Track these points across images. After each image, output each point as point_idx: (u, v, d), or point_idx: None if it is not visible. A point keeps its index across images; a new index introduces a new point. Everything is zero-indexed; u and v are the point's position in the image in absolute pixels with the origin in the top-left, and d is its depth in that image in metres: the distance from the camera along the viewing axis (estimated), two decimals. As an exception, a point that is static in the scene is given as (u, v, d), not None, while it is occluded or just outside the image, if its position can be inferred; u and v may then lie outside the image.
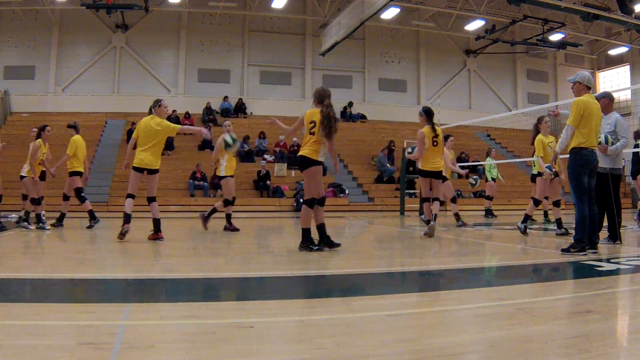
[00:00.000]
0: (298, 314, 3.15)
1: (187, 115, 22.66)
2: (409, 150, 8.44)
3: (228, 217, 9.33)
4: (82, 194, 9.54)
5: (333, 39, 21.82)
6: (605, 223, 6.92)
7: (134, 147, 7.57)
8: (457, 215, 10.70)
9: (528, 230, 8.33)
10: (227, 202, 9.18)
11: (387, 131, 24.09)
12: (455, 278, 4.78)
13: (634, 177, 10.12)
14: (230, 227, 9.21)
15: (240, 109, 24.11)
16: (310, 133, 6.03)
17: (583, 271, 4.84)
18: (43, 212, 9.41)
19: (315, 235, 6.18)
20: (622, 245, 6.72)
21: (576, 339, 2.56)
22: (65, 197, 9.77)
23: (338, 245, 6.12)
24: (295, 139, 21.36)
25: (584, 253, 5.59)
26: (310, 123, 6.03)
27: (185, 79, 24.01)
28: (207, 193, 18.20)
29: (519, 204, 17.93)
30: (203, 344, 2.50)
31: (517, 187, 20.66)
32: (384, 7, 19.90)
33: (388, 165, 21.00)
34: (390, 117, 25.47)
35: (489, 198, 13.74)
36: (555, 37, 24.79)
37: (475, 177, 10.79)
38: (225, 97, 23.97)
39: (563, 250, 5.82)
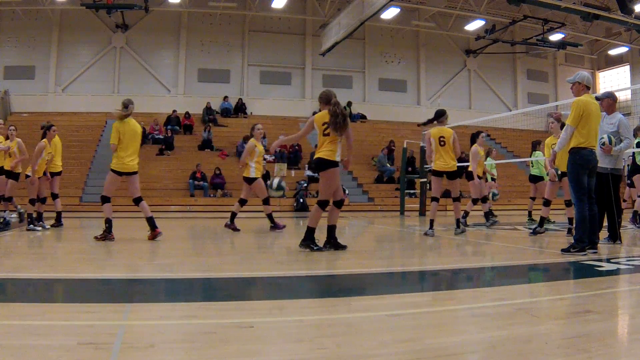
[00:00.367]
0: (298, 314, 3.15)
1: (187, 115, 22.66)
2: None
3: (233, 215, 9.32)
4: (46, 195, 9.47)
5: (333, 39, 21.82)
6: (605, 223, 6.91)
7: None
8: (486, 215, 10.41)
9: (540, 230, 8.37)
10: (267, 201, 9.29)
11: (387, 131, 24.09)
12: (455, 278, 4.78)
13: (629, 177, 10.07)
14: (231, 226, 9.22)
15: (240, 109, 24.11)
16: (325, 134, 6.03)
17: (583, 271, 4.84)
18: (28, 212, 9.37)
19: (316, 235, 6.17)
20: (622, 245, 6.72)
21: (576, 339, 2.56)
22: (55, 196, 9.74)
23: (344, 247, 6.10)
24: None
25: (584, 253, 5.59)
26: (323, 125, 6.04)
27: (185, 79, 24.01)
28: (207, 193, 18.20)
29: (519, 204, 17.94)
30: (203, 344, 2.50)
31: (517, 187, 20.66)
32: (384, 7, 19.90)
33: (388, 165, 21.00)
34: (390, 117, 25.47)
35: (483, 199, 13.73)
36: (555, 37, 24.79)
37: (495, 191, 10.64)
38: (225, 97, 23.97)
39: (563, 250, 5.82)
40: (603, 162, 6.80)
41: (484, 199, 10.53)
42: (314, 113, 27.58)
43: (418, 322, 2.98)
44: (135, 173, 7.44)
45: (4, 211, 9.46)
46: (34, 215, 9.22)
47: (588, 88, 5.87)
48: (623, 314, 3.31)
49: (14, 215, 11.67)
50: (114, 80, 23.30)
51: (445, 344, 2.52)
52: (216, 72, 24.39)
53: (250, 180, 9.16)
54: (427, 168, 16.55)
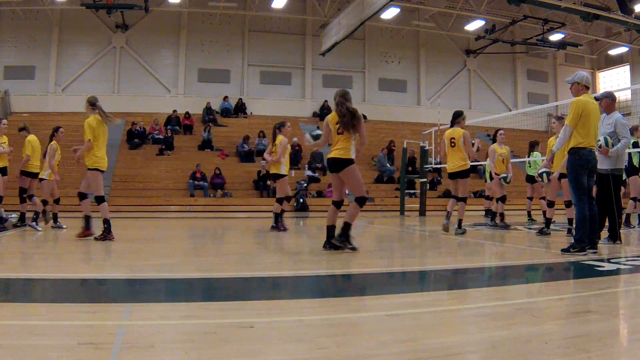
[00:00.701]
0: (298, 314, 3.15)
1: (187, 115, 22.67)
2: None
3: (277, 216, 9.44)
4: (24, 195, 9.46)
5: (333, 39, 21.82)
6: (607, 223, 6.92)
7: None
8: (501, 215, 10.31)
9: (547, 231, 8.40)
10: (281, 201, 9.35)
11: (387, 131, 24.10)
12: (455, 278, 4.78)
13: (627, 177, 10.01)
14: (278, 227, 9.29)
15: (240, 109, 24.12)
16: (339, 133, 6.04)
17: (583, 271, 4.84)
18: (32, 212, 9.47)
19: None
20: (622, 245, 6.72)
21: (576, 339, 2.56)
22: (30, 196, 9.75)
23: (339, 248, 6.10)
24: (295, 139, 21.37)
25: (584, 253, 5.59)
26: (336, 124, 6.07)
27: (185, 79, 24.01)
28: (207, 193, 18.20)
29: (519, 204, 17.93)
30: (203, 344, 2.50)
31: (517, 187, 20.64)
32: (384, 7, 19.90)
33: (388, 165, 21.01)
34: (390, 117, 25.48)
35: (489, 198, 13.72)
36: (555, 37, 24.79)
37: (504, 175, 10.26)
38: (225, 97, 23.97)
39: (563, 250, 5.82)
40: (603, 164, 6.80)
41: (502, 199, 10.21)
42: (314, 113, 27.69)
43: (418, 322, 2.98)
44: (104, 172, 7.58)
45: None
46: (49, 215, 9.50)
47: (587, 88, 5.87)
48: (623, 314, 3.31)
49: (14, 215, 11.68)
50: (114, 80, 23.30)
51: (445, 344, 2.52)
52: (216, 72, 24.39)
53: (277, 176, 9.33)
54: (427, 168, 16.57)
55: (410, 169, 19.13)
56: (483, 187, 15.05)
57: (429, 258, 6.19)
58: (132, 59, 23.51)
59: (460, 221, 8.58)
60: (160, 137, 21.10)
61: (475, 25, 24.79)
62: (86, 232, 7.26)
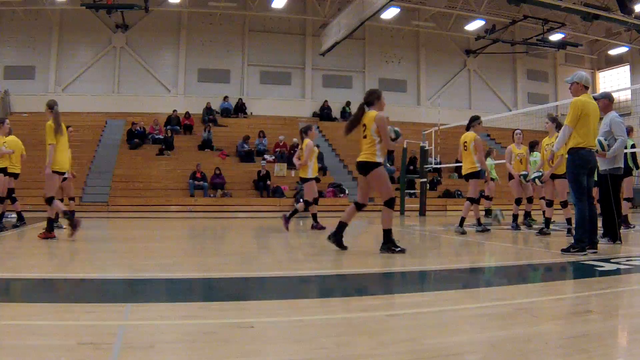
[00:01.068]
0: (298, 314, 3.15)
1: (187, 115, 22.67)
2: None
3: (314, 216, 9.58)
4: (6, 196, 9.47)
5: (333, 39, 21.82)
6: (600, 224, 6.91)
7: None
8: (514, 217, 10.25)
9: (547, 231, 8.41)
10: (308, 204, 9.42)
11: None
12: (455, 278, 4.78)
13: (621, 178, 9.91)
14: (317, 226, 9.40)
15: (240, 109, 24.12)
16: (363, 137, 5.99)
17: (583, 271, 4.84)
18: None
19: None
20: (622, 245, 6.72)
21: (576, 339, 2.56)
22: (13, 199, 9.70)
23: (345, 248, 6.05)
24: (295, 139, 21.38)
25: (584, 253, 5.58)
26: (362, 126, 6.01)
27: (185, 79, 24.01)
28: (207, 193, 18.20)
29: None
30: (203, 344, 2.50)
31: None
32: (384, 7, 19.90)
33: (388, 165, 20.98)
34: (390, 117, 25.11)
35: (489, 198, 13.72)
36: (555, 37, 24.79)
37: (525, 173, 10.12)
38: (225, 97, 23.97)
39: (563, 250, 5.82)
40: (601, 165, 6.80)
41: (517, 201, 10.10)
42: (314, 113, 27.66)
43: (418, 322, 2.98)
44: (64, 173, 7.63)
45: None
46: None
47: (586, 88, 5.86)
48: (623, 314, 3.31)
49: (13, 215, 11.67)
50: (114, 80, 23.30)
51: (445, 344, 2.52)
52: (216, 72, 24.39)
53: (304, 180, 9.44)
54: (427, 168, 16.57)
55: (412, 167, 19.14)
56: (483, 187, 15.01)
57: (429, 258, 6.19)
58: (132, 59, 23.51)
59: (462, 219, 8.61)
60: (160, 137, 21.10)
61: (475, 25, 24.80)
62: (48, 234, 7.31)
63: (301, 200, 10.04)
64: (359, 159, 6.03)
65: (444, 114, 19.90)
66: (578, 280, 4.57)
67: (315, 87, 25.49)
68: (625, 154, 9.23)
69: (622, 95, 25.85)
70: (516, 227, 9.79)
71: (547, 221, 8.49)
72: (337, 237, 6.06)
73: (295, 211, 9.40)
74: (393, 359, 2.31)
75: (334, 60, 24.64)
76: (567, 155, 5.97)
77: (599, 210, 7.25)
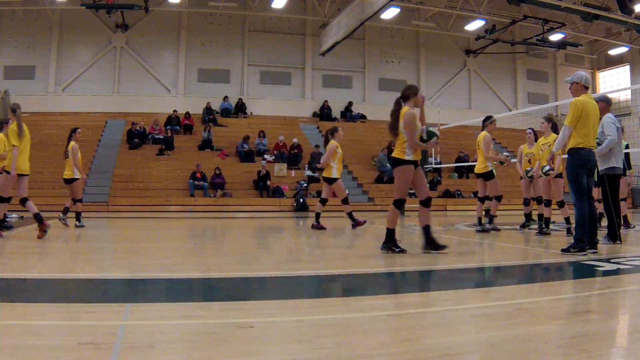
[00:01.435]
0: (298, 314, 3.15)
1: (187, 115, 22.66)
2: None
3: (317, 215, 9.80)
4: None
5: (333, 39, 21.82)
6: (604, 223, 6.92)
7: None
8: (526, 216, 10.20)
9: (546, 231, 8.43)
10: (346, 201, 9.65)
11: (387, 131, 24.06)
12: (456, 278, 4.78)
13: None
14: (317, 226, 9.58)
15: (240, 109, 24.11)
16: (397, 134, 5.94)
17: (583, 271, 4.84)
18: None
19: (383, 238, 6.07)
20: (622, 245, 6.72)
21: (576, 339, 2.56)
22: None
23: (443, 247, 5.86)
24: (295, 140, 21.39)
25: (584, 253, 5.58)
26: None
27: (185, 79, 24.01)
28: (207, 193, 18.20)
29: (519, 204, 17.91)
30: (203, 344, 2.50)
31: (517, 187, 20.63)
32: (384, 7, 19.90)
33: (388, 165, 20.99)
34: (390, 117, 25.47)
35: (489, 198, 13.72)
36: (555, 37, 24.79)
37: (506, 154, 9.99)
38: (225, 97, 23.97)
39: (563, 250, 5.82)
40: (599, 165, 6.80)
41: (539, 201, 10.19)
42: (314, 113, 27.69)
43: (418, 322, 2.98)
44: (27, 175, 7.77)
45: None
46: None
47: (586, 88, 5.86)
48: (623, 314, 3.31)
49: (14, 215, 11.67)
50: (114, 80, 23.30)
51: (445, 344, 2.52)
52: (216, 72, 24.38)
53: (331, 181, 9.55)
54: (427, 168, 16.57)
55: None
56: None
57: (429, 258, 6.19)
58: (132, 59, 23.50)
59: (479, 219, 9.07)
60: (160, 137, 21.10)
61: (475, 25, 24.79)
62: (41, 227, 7.36)
63: (321, 199, 10.18)
64: (392, 155, 6.03)
65: (444, 114, 19.88)
66: (578, 280, 4.57)
67: (315, 87, 25.49)
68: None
69: (622, 95, 25.84)
70: (523, 227, 9.82)
71: (547, 221, 8.49)
72: (430, 243, 5.88)
73: (350, 214, 9.70)
74: (393, 359, 2.31)
75: (334, 60, 24.64)
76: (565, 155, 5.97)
77: (598, 211, 7.26)
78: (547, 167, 7.61)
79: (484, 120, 9.19)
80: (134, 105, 22.86)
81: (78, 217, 9.77)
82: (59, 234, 8.87)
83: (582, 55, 29.05)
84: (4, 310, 3.08)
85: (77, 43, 23.00)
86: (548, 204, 8.50)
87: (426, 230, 5.90)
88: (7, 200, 8.65)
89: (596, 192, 8.13)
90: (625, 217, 9.87)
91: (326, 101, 25.00)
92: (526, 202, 9.97)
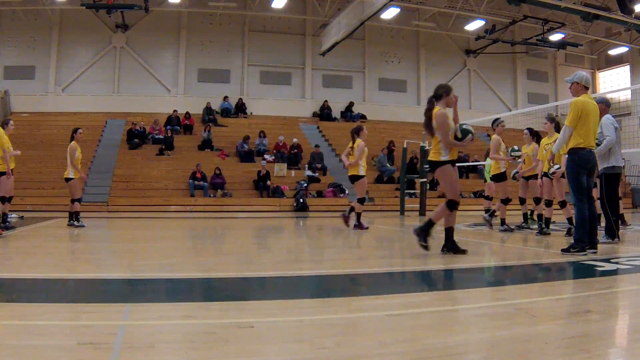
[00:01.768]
0: (298, 314, 3.15)
1: (187, 116, 22.67)
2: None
3: (358, 215, 9.79)
4: None
5: (333, 39, 21.82)
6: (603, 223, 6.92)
7: None
8: (524, 216, 10.32)
9: (547, 231, 8.44)
10: (363, 200, 9.77)
11: (387, 131, 24.09)
12: (456, 278, 4.78)
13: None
14: (346, 222, 9.71)
15: (240, 109, 24.11)
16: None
17: (583, 271, 4.84)
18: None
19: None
20: (622, 245, 6.72)
21: (576, 339, 2.56)
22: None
23: (464, 252, 5.81)
24: (295, 140, 21.39)
25: (584, 253, 5.59)
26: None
27: (185, 79, 24.00)
28: (207, 193, 18.20)
29: (515, 204, 17.90)
30: (203, 344, 2.50)
31: (517, 187, 20.64)
32: (384, 7, 19.90)
33: (388, 165, 21.00)
34: (390, 117, 25.48)
35: (489, 198, 13.71)
36: (555, 37, 24.78)
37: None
38: (225, 97, 23.97)
39: (563, 250, 5.82)
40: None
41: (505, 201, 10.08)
42: (314, 113, 27.67)
43: (418, 322, 2.98)
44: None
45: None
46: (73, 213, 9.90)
47: (586, 88, 5.86)
48: (623, 314, 3.31)
49: (14, 215, 11.69)
50: (114, 80, 23.29)
51: (445, 344, 2.52)
52: (216, 72, 24.38)
53: (356, 178, 9.67)
54: (427, 168, 16.56)
55: (417, 166, 19.13)
56: (483, 187, 15.03)
57: (429, 258, 6.19)
58: (132, 59, 23.50)
59: (502, 220, 9.23)
60: (160, 137, 21.10)
61: (475, 25, 24.78)
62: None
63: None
64: (428, 158, 5.99)
65: (444, 114, 19.87)
66: (578, 280, 4.57)
67: (315, 87, 25.48)
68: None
69: (622, 95, 25.84)
70: (520, 227, 9.82)
71: (547, 221, 8.50)
72: (449, 246, 5.86)
73: (352, 209, 9.71)
74: (393, 359, 2.31)
75: (334, 60, 24.63)
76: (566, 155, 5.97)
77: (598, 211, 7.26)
78: (557, 166, 7.61)
79: (492, 123, 9.59)
80: (134, 105, 22.86)
81: (76, 216, 9.80)
82: (59, 234, 8.88)
83: (582, 55, 29.05)
84: (4, 310, 3.08)
85: (77, 43, 23.00)
86: (549, 204, 8.51)
87: (429, 223, 5.84)
88: (5, 200, 8.71)
89: (596, 192, 8.14)
90: (621, 215, 9.88)
91: (326, 101, 25.00)
92: (522, 202, 10.02)
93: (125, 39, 23.45)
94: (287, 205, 18.16)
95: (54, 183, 16.14)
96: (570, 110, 5.74)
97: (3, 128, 8.96)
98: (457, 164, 5.99)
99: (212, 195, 18.16)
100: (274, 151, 21.08)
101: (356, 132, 9.83)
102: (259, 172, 18.87)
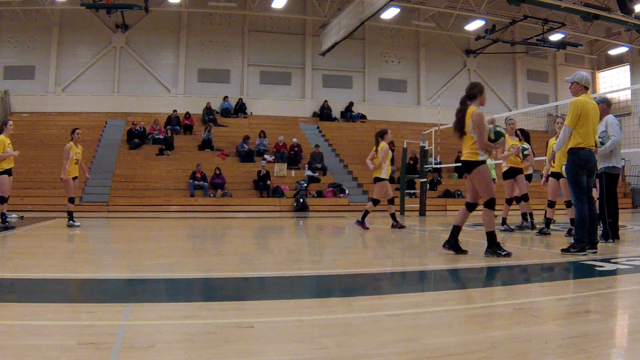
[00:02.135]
0: (298, 314, 3.15)
1: (187, 116, 22.66)
2: None
3: (393, 216, 10.03)
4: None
5: (333, 39, 21.81)
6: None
7: None
8: (523, 216, 10.32)
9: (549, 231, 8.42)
10: (376, 202, 9.91)
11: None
12: (455, 278, 4.78)
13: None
14: (397, 225, 9.89)
15: (240, 109, 24.11)
16: (464, 133, 5.77)
17: (583, 271, 4.84)
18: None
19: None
20: (622, 245, 6.72)
21: (576, 339, 2.56)
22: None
23: (464, 252, 5.79)
24: (295, 140, 21.39)
25: (584, 253, 5.59)
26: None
27: (185, 79, 24.00)
28: (207, 193, 18.20)
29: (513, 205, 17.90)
30: (203, 344, 2.50)
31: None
32: (384, 7, 19.89)
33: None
34: (390, 117, 25.47)
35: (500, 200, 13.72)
36: (555, 37, 24.78)
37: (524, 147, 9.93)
38: (225, 97, 23.97)
39: (563, 250, 5.82)
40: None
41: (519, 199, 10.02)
42: (314, 113, 27.64)
43: (418, 322, 2.98)
44: None
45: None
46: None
47: (586, 88, 5.87)
48: (623, 314, 3.31)
49: (14, 215, 11.69)
50: (114, 80, 23.29)
51: (445, 344, 2.52)
52: (216, 72, 24.38)
53: (379, 180, 9.81)
54: (427, 168, 16.57)
55: (417, 166, 19.14)
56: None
57: (429, 258, 6.19)
58: (132, 59, 23.50)
59: (523, 215, 9.31)
60: (160, 137, 21.09)
61: (475, 25, 24.78)
62: None
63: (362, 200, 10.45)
64: (461, 158, 5.87)
65: (444, 114, 19.81)
66: (578, 280, 4.57)
67: (315, 87, 25.48)
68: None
69: (622, 95, 25.84)
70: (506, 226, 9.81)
71: (548, 221, 8.49)
72: (452, 243, 5.83)
73: (367, 212, 9.82)
74: (393, 359, 2.31)
75: (334, 60, 24.63)
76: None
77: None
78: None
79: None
80: (134, 105, 22.86)
81: (71, 216, 9.84)
82: (59, 234, 8.88)
83: (582, 55, 29.05)
84: (4, 310, 3.08)
85: (77, 43, 22.99)
86: (552, 204, 8.51)
87: (490, 235, 5.71)
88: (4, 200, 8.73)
89: (596, 193, 8.15)
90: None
91: (326, 101, 25.00)
92: (508, 202, 10.13)
93: (125, 38, 23.45)
94: (287, 205, 18.16)
95: (53, 183, 16.13)
96: (570, 110, 5.75)
97: (1, 130, 9.03)
98: (457, 164, 5.99)
99: (212, 195, 18.15)
100: (274, 151, 21.08)
101: (380, 135, 9.88)
102: (259, 172, 18.88)
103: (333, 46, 22.18)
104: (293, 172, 20.01)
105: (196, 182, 18.23)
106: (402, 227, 9.87)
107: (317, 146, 21.07)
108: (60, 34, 22.81)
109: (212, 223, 12.62)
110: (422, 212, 15.93)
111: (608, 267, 4.97)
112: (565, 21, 23.60)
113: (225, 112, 23.73)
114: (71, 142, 9.82)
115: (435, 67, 26.85)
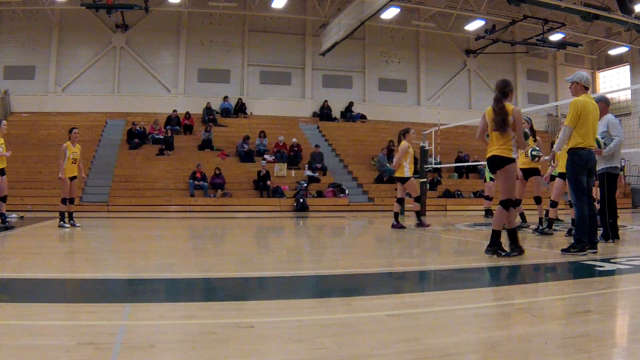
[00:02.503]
0: (298, 314, 3.15)
1: (187, 116, 22.66)
2: None
3: (396, 215, 10.06)
4: None
5: (333, 39, 21.81)
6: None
7: None
8: (522, 216, 10.06)
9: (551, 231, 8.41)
10: (418, 199, 10.05)
11: (387, 131, 24.04)
12: (455, 278, 4.78)
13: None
14: (397, 225, 9.88)
15: (240, 109, 24.11)
16: (494, 130, 5.65)
17: (583, 271, 4.84)
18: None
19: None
20: (622, 245, 6.72)
21: (576, 339, 2.56)
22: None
23: (521, 252, 5.69)
24: (295, 140, 21.40)
25: (584, 253, 5.59)
26: (492, 121, 5.69)
27: (185, 79, 24.00)
28: (207, 193, 18.20)
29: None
30: (203, 344, 2.50)
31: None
32: (384, 7, 19.89)
33: (388, 165, 20.98)
34: (390, 117, 25.47)
35: (489, 198, 13.72)
36: (555, 37, 24.78)
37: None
38: (225, 97, 23.97)
39: (563, 250, 5.82)
40: (598, 164, 6.81)
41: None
42: (314, 113, 27.63)
43: (418, 322, 2.98)
44: None
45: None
46: (66, 214, 9.82)
47: (586, 88, 5.87)
48: (623, 314, 3.31)
49: (14, 215, 11.69)
50: (114, 80, 23.29)
51: (445, 344, 2.52)
52: (216, 72, 24.38)
53: (404, 180, 9.84)
54: (427, 168, 16.57)
55: (417, 166, 19.12)
56: (483, 187, 15.02)
57: (429, 258, 6.19)
58: (132, 59, 23.50)
59: (540, 219, 8.96)
60: (160, 137, 21.09)
61: (475, 25, 24.78)
62: None
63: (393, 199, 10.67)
64: (492, 153, 5.68)
65: (444, 114, 19.88)
66: (578, 280, 4.57)
67: (315, 87, 25.48)
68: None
69: (622, 95, 25.84)
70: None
71: (550, 222, 8.49)
72: (494, 247, 5.69)
73: (418, 212, 10.12)
74: (393, 359, 2.31)
75: (334, 60, 24.63)
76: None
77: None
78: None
79: None
80: (134, 105, 22.85)
81: (61, 216, 9.75)
82: (59, 234, 8.88)
83: (582, 55, 29.04)
84: (4, 310, 3.08)
85: (77, 43, 22.98)
86: (554, 204, 8.51)
87: (512, 232, 5.72)
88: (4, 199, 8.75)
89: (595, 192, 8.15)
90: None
91: (326, 101, 25.00)
92: (489, 198, 10.15)
93: (125, 39, 23.44)
94: (287, 205, 18.16)
95: (54, 183, 16.09)
96: (570, 110, 5.75)
97: None
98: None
99: (212, 195, 18.15)
100: (274, 151, 21.08)
101: (403, 134, 9.87)
102: (259, 172, 18.87)
103: (333, 46, 22.17)
104: (293, 172, 20.00)
105: (196, 182, 18.23)
106: (402, 227, 9.83)
107: (317, 146, 21.07)
108: (60, 34, 22.80)
109: (212, 223, 12.61)
110: (422, 212, 15.92)
111: (608, 267, 4.97)
112: (565, 21, 23.59)
113: (225, 112, 23.72)
114: (68, 142, 9.80)
115: (435, 67, 26.86)
